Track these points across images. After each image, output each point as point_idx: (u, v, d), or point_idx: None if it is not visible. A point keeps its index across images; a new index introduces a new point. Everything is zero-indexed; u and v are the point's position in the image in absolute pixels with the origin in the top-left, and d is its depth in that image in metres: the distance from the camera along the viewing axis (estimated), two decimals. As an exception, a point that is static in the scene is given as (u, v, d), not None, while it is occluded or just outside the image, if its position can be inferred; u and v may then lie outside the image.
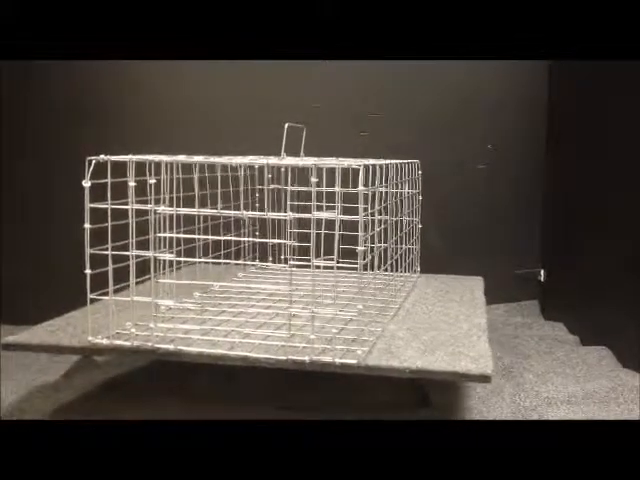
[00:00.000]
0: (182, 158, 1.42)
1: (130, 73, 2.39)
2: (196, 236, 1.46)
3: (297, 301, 1.75)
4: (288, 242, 1.29)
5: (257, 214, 1.33)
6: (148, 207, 1.38)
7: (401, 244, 1.94)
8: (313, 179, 1.30)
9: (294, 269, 1.98)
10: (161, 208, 1.37)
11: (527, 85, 2.49)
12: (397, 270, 1.95)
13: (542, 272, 2.49)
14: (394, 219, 1.79)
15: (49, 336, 1.49)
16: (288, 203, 1.56)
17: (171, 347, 1.40)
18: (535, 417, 1.59)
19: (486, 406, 1.64)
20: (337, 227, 1.28)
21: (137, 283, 1.47)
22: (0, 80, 2.31)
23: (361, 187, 1.28)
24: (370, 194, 1.76)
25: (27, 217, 2.35)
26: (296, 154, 2.09)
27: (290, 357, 1.35)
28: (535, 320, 2.37)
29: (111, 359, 1.83)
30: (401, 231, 1.91)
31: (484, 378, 1.30)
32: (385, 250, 1.86)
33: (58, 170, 2.29)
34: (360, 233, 1.30)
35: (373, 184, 1.66)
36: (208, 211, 1.37)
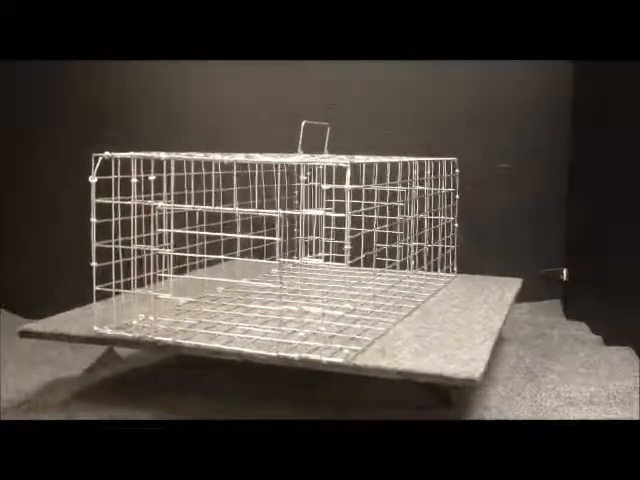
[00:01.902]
0: (182, 155, 1.45)
1: (147, 72, 2.47)
2: (193, 232, 1.49)
3: (316, 298, 1.77)
4: (277, 239, 1.29)
5: (251, 211, 1.34)
6: (149, 203, 1.42)
7: (421, 242, 1.93)
8: (302, 177, 1.30)
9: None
10: (160, 204, 1.41)
11: (552, 84, 2.45)
12: (414, 268, 1.94)
13: (565, 271, 2.44)
14: (410, 217, 1.77)
15: (61, 325, 1.55)
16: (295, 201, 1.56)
17: (169, 340, 1.44)
18: (557, 417, 1.55)
19: (507, 406, 1.61)
20: (323, 223, 1.28)
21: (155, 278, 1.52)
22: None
23: (347, 185, 1.27)
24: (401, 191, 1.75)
25: (38, 214, 2.48)
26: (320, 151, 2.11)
27: (280, 354, 1.37)
28: (557, 319, 2.32)
29: (136, 354, 1.90)
30: (421, 230, 1.88)
31: (470, 382, 1.27)
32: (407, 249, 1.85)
33: (68, 167, 2.36)
34: (347, 229, 1.29)
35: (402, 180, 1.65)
36: (202, 207, 1.40)
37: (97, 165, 1.43)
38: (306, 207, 2.23)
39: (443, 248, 2.10)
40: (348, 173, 1.27)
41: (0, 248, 2.49)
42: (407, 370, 1.31)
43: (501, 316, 1.70)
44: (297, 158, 1.38)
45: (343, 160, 1.33)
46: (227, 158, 1.37)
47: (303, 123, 1.68)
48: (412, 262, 2.07)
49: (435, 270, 2.10)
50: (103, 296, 1.53)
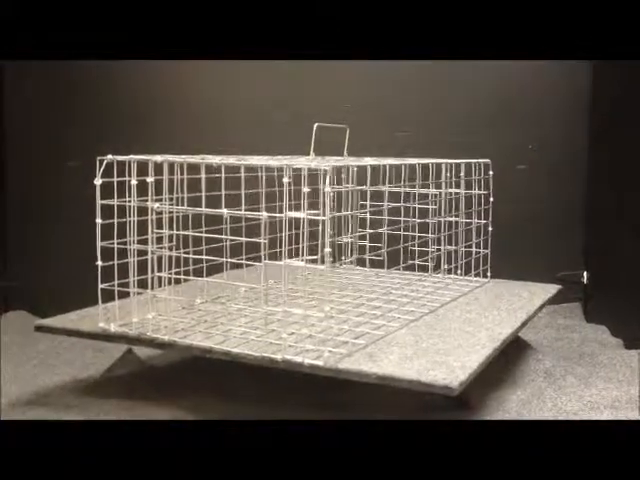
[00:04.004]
0: (176, 158, 1.48)
1: (160, 74, 2.53)
2: (186, 233, 1.52)
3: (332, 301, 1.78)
4: (261, 240, 1.31)
5: (237, 213, 1.36)
6: (147, 204, 1.47)
7: (437, 245, 1.90)
8: (285, 179, 1.31)
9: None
10: (156, 205, 1.45)
11: (570, 84, 2.42)
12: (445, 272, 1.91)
13: (585, 274, 2.39)
14: (419, 220, 1.74)
15: (73, 322, 1.62)
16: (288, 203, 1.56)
17: (165, 337, 1.48)
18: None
19: (527, 409, 1.58)
20: (303, 226, 1.29)
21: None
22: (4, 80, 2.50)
23: (327, 187, 1.27)
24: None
25: (54, 217, 2.57)
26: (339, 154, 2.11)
27: (265, 355, 1.38)
28: (577, 323, 2.29)
29: (154, 355, 1.94)
30: (438, 232, 1.86)
31: (447, 390, 1.24)
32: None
33: (78, 170, 2.43)
34: (327, 232, 1.28)
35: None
36: (195, 210, 1.43)
37: (102, 168, 1.48)
38: (338, 210, 2.24)
39: (472, 252, 2.07)
40: (328, 176, 1.27)
41: (19, 252, 2.57)
42: (387, 375, 1.29)
43: (514, 323, 1.65)
44: (284, 161, 1.39)
45: (325, 163, 1.33)
46: (216, 160, 1.39)
47: (315, 125, 1.69)
48: (444, 266, 2.05)
49: (465, 274, 2.07)
50: (120, 295, 1.58)
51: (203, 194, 1.45)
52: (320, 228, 1.32)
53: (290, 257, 1.36)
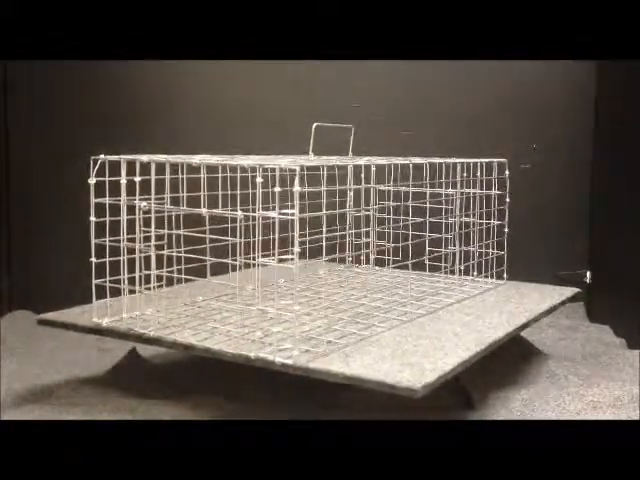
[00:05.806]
0: (160, 157, 1.52)
1: (156, 73, 2.55)
2: (171, 231, 1.55)
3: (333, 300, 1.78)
4: (237, 240, 1.33)
5: (217, 212, 1.38)
6: (135, 203, 1.50)
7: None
8: (258, 179, 1.32)
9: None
10: (143, 204, 1.49)
11: (574, 83, 2.42)
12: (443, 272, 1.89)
13: (588, 274, 2.38)
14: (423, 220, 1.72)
15: (72, 316, 1.67)
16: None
17: (152, 333, 1.51)
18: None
19: (530, 409, 1.57)
20: (277, 226, 1.30)
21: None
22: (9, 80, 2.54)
23: (297, 187, 1.28)
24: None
25: (52, 216, 2.61)
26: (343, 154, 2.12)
27: (241, 352, 1.39)
28: (580, 322, 2.27)
29: (157, 355, 1.97)
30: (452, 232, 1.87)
31: (410, 392, 1.23)
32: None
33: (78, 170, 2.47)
34: (296, 232, 1.29)
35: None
36: (180, 209, 1.45)
37: (96, 167, 1.53)
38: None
39: (483, 253, 2.04)
40: (297, 176, 1.27)
41: (24, 251, 2.61)
42: (354, 375, 1.29)
43: (509, 327, 1.61)
44: (254, 160, 1.40)
45: (295, 163, 1.33)
46: (196, 160, 1.41)
47: (314, 125, 1.70)
48: (459, 267, 2.03)
49: (478, 275, 2.04)
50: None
51: (185, 194, 1.48)
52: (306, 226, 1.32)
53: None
